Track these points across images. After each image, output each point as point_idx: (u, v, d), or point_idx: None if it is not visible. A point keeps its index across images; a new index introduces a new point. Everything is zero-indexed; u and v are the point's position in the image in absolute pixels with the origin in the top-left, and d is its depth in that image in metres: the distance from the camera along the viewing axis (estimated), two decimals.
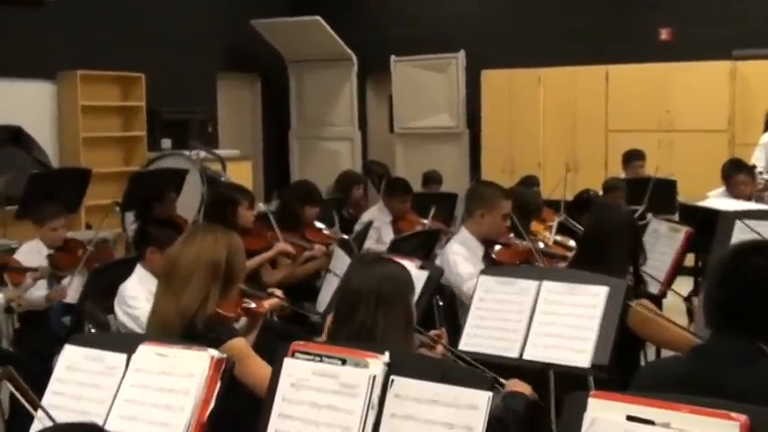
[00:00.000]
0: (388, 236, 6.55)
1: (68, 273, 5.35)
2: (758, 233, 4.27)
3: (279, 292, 3.72)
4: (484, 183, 5.78)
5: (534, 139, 10.63)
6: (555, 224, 6.02)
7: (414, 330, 2.86)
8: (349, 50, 11.65)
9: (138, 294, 4.08)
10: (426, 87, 11.36)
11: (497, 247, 4.86)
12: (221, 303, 3.13)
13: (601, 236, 3.92)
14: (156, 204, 6.72)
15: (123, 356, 2.44)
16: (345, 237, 5.62)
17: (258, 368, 2.96)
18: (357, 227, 6.72)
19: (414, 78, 11.42)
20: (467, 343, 3.42)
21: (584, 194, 6.51)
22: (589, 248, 3.98)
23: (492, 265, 4.64)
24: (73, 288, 5.28)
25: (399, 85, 11.56)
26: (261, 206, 5.98)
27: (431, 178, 8.80)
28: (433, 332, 3.19)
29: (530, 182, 7.64)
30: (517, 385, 2.82)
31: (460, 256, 4.68)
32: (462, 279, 4.53)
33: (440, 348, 3.13)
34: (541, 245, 5.27)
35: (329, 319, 2.97)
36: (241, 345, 3.07)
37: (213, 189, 7.66)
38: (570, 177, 7.56)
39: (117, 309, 4.14)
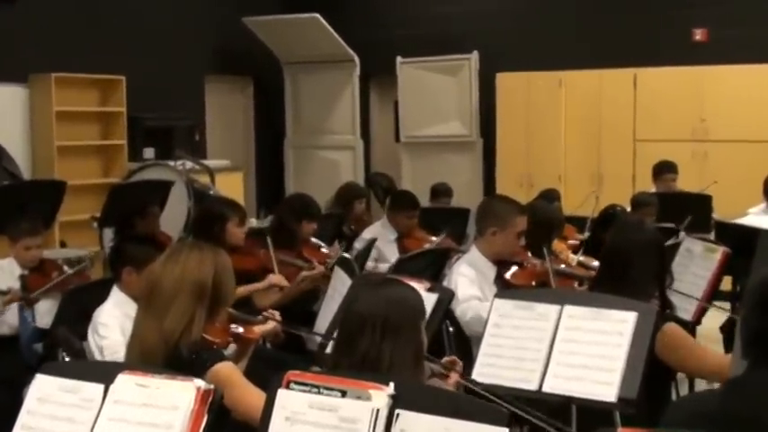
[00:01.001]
0: (393, 255, 6.55)
1: (41, 296, 5.35)
2: None
3: (277, 315, 3.70)
4: (497, 197, 5.78)
5: (554, 149, 10.63)
6: (579, 243, 6.02)
7: (424, 360, 2.85)
8: (350, 51, 11.68)
9: (110, 322, 4.09)
10: (435, 92, 11.38)
11: (512, 268, 4.85)
12: (207, 328, 3.14)
13: (622, 255, 3.91)
14: (138, 220, 6.72)
15: (100, 387, 2.43)
16: (346, 255, 5.62)
17: (250, 396, 2.95)
18: (357, 244, 6.72)
19: (422, 82, 11.44)
20: (480, 373, 3.41)
21: (611, 210, 6.50)
22: (610, 269, 3.97)
23: (506, 288, 4.63)
24: (45, 312, 5.28)
25: (406, 90, 11.58)
26: (253, 222, 5.99)
27: (440, 192, 8.81)
28: (445, 359, 3.18)
29: (549, 196, 7.64)
30: None
31: (465, 277, 4.66)
32: (456, 301, 4.51)
33: (454, 378, 3.12)
34: (563, 266, 5.26)
35: None
36: (230, 369, 3.08)
37: (201, 203, 7.67)
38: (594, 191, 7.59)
39: (89, 336, 4.15)
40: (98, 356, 4.00)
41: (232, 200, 6.11)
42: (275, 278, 5.46)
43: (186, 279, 3.09)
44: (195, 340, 3.06)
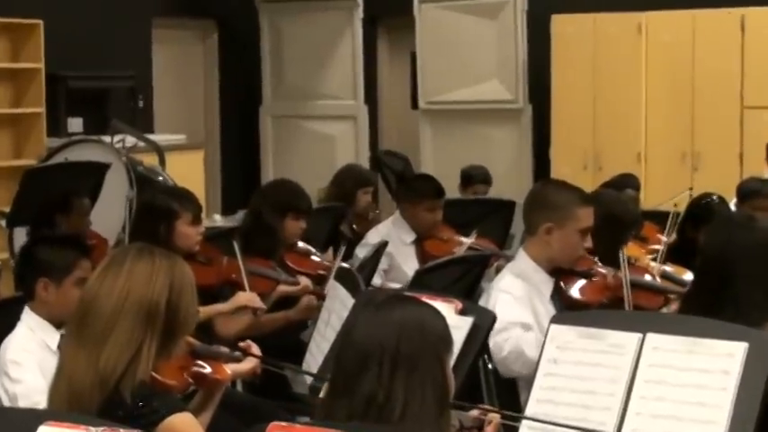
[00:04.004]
0: (410, 264, 6.55)
1: None
2: None
3: (254, 348, 3.70)
4: (552, 183, 5.78)
5: (632, 119, 10.61)
6: (663, 247, 6.01)
7: (450, 407, 2.86)
8: None
9: (22, 359, 4.09)
10: (468, 41, 11.38)
11: (578, 281, 4.85)
12: (159, 365, 3.15)
13: (723, 263, 3.91)
14: (61, 216, 6.74)
15: None
16: (346, 266, 5.63)
17: None
18: (357, 251, 6.72)
19: (448, 27, 11.45)
20: (531, 425, 3.42)
21: (704, 201, 6.50)
22: (706, 282, 3.97)
23: (568, 308, 4.63)
24: None
25: (427, 38, 11.58)
26: (217, 219, 6.00)
27: (474, 177, 8.82)
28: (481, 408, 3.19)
29: (625, 183, 7.64)
30: None
31: (508, 295, 4.63)
32: (495, 328, 4.50)
33: None
34: (648, 277, 5.24)
35: None
36: (186, 423, 3.10)
37: (146, 194, 7.69)
38: (687, 176, 7.57)
39: None
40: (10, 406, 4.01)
41: (182, 189, 6.11)
42: (245, 297, 5.45)
43: (131, 298, 3.10)
44: (142, 381, 3.07)
